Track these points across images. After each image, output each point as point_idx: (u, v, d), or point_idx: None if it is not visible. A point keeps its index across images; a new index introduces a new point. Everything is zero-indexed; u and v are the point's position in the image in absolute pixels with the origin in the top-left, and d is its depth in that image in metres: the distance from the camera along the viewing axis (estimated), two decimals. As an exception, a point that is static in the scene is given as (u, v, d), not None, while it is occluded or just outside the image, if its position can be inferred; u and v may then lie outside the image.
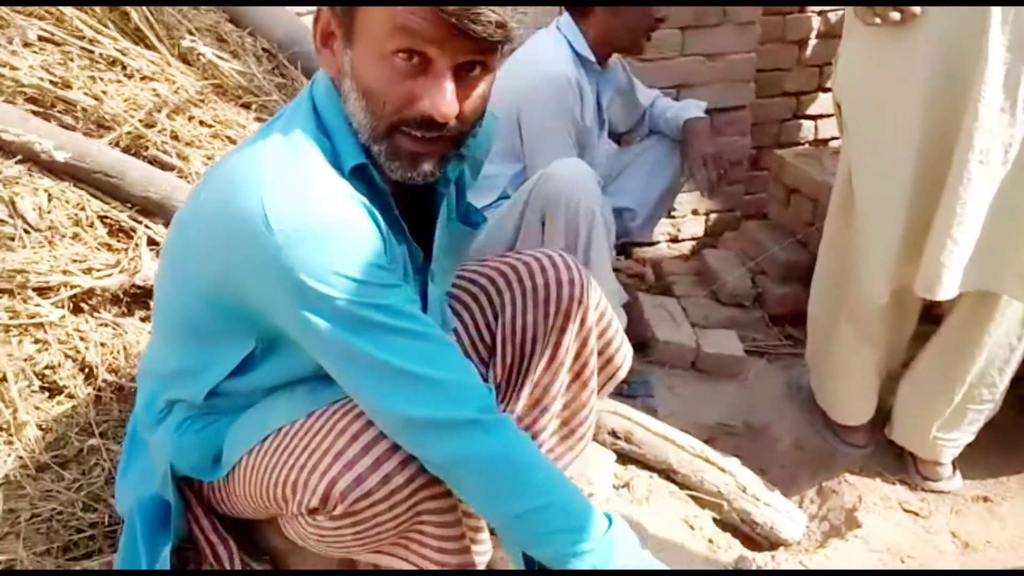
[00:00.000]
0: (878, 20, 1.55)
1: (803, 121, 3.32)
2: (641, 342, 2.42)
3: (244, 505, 1.19)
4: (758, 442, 2.18)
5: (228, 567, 1.23)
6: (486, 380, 1.39)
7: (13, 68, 1.83)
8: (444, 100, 0.94)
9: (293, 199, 0.95)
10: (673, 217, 3.14)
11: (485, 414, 1.00)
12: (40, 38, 1.92)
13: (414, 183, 1.02)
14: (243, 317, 1.03)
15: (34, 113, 1.84)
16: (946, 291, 1.63)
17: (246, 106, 2.14)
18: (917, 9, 1.51)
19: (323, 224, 0.95)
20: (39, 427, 1.48)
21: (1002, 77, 1.48)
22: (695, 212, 3.19)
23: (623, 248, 3.08)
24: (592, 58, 2.18)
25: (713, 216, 3.22)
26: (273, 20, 2.51)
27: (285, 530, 1.17)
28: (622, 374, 1.48)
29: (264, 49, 2.43)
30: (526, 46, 2.23)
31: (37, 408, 1.50)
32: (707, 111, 2.46)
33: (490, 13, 0.90)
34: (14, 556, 1.34)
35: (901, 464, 2.08)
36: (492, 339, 1.37)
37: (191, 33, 2.20)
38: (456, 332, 1.36)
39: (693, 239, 3.20)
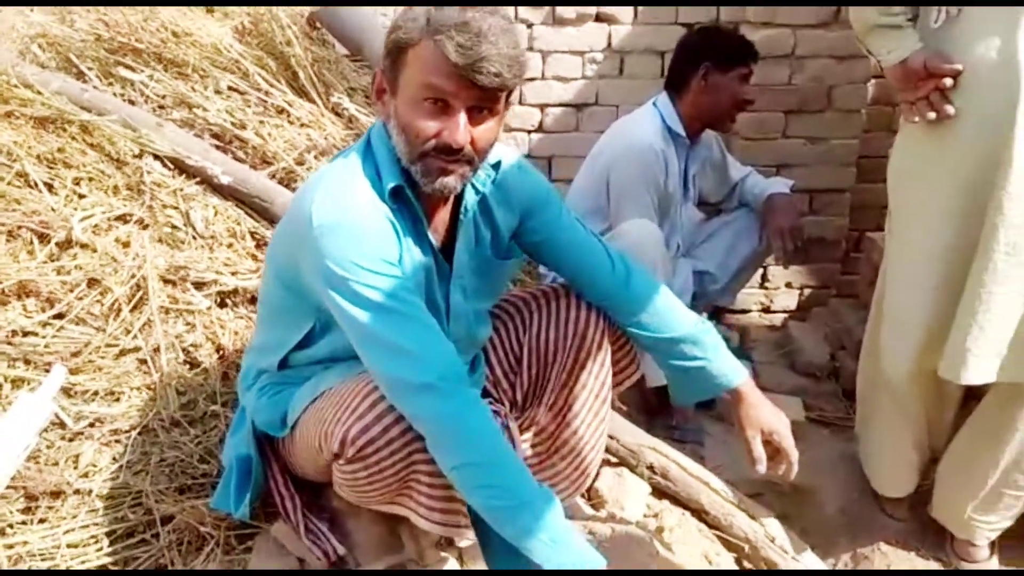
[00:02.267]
0: (916, 119, 1.71)
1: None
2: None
3: (303, 461, 1.52)
4: (803, 505, 2.29)
5: (293, 519, 1.55)
6: (513, 388, 1.67)
7: (204, 109, 2.32)
8: (458, 131, 1.27)
9: (331, 204, 1.30)
10: (766, 288, 3.29)
11: (444, 381, 1.26)
12: (229, 87, 2.41)
13: (441, 194, 1.34)
14: (304, 295, 1.39)
15: (216, 146, 2.31)
16: (971, 376, 1.73)
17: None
18: (951, 108, 1.68)
19: (346, 224, 1.28)
20: (177, 391, 1.88)
21: None
22: (789, 285, 3.33)
23: (715, 312, 3.26)
24: (682, 132, 2.45)
25: (807, 291, 3.34)
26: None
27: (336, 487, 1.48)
28: (628, 383, 1.74)
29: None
30: (624, 119, 2.53)
31: (179, 376, 1.91)
32: (808, 191, 2.64)
33: (490, 67, 1.23)
34: (142, 488, 1.71)
35: (941, 541, 2.14)
36: (520, 351, 1.65)
37: (348, 92, 2.64)
38: (490, 341, 1.65)
39: (785, 311, 3.33)
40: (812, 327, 3.00)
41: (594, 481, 1.95)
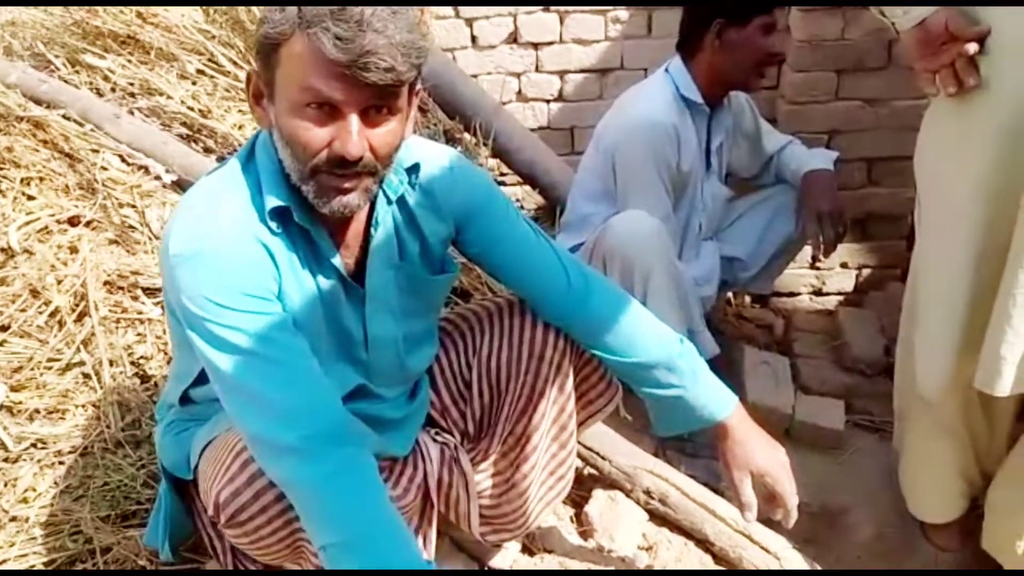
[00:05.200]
0: (933, 90, 1.40)
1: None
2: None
3: None
4: (834, 528, 2.02)
5: (223, 561, 1.40)
6: (464, 417, 1.46)
7: (169, 97, 2.17)
8: (351, 141, 1.04)
9: (190, 230, 1.10)
10: (818, 268, 2.94)
11: (310, 442, 1.06)
12: (197, 71, 2.24)
13: (342, 215, 1.12)
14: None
15: (184, 136, 2.15)
16: (1006, 386, 1.43)
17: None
18: (974, 79, 1.35)
19: (205, 253, 1.08)
20: (123, 408, 1.75)
21: None
22: (844, 266, 2.96)
23: (760, 296, 2.95)
24: (699, 99, 2.13)
25: (865, 272, 2.97)
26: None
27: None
28: (603, 415, 1.52)
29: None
30: (632, 88, 2.23)
31: (125, 392, 1.78)
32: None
33: (379, 61, 1.00)
34: (81, 516, 1.60)
35: (995, 577, 1.84)
36: (470, 374, 1.44)
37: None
38: (438, 363, 1.45)
39: (840, 294, 2.98)
40: (868, 315, 2.65)
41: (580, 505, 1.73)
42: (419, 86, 1.18)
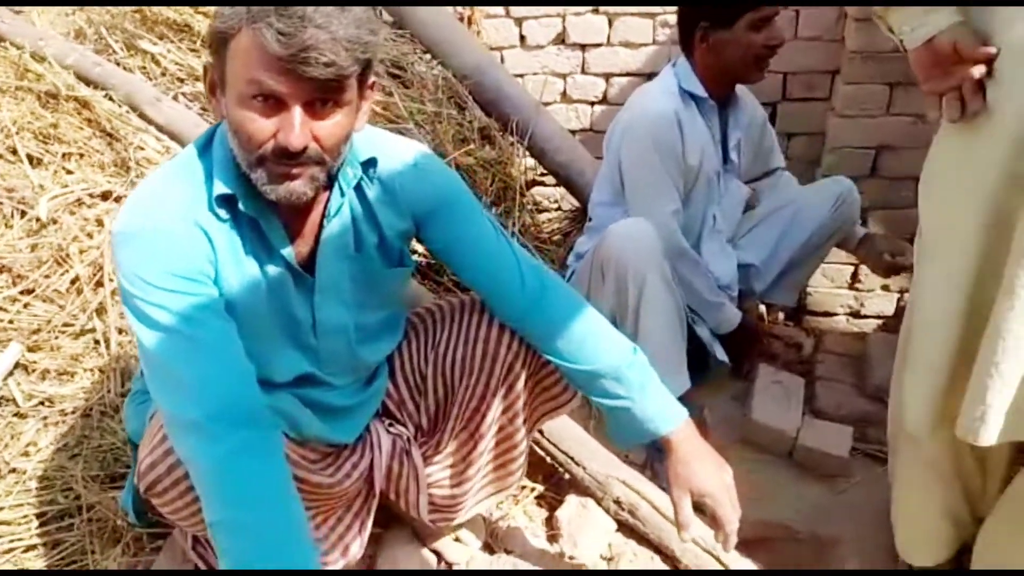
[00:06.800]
0: (936, 114, 1.32)
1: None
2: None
3: None
4: (820, 559, 1.94)
5: (181, 531, 1.48)
6: (419, 410, 1.50)
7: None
8: (292, 133, 1.09)
9: (134, 210, 1.16)
10: (857, 289, 2.83)
11: (214, 421, 1.10)
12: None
13: (290, 203, 1.16)
14: None
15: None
16: (991, 436, 1.34)
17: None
18: (978, 104, 1.27)
19: (143, 234, 1.13)
20: (125, 376, 1.86)
21: None
22: (886, 288, 2.84)
23: (794, 312, 2.86)
24: (702, 93, 2.09)
25: (907, 295, 2.83)
26: (463, 53, 2.74)
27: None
28: (564, 411, 1.53)
29: (444, 79, 2.67)
30: (640, 88, 2.21)
31: (129, 360, 1.89)
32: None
33: (319, 56, 1.03)
34: (74, 474, 1.72)
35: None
36: (426, 369, 1.47)
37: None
38: (398, 356, 1.49)
39: (879, 317, 2.85)
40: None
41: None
42: (372, 79, 1.21)
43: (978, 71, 1.27)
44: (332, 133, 1.14)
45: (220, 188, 1.18)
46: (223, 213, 1.19)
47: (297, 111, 1.09)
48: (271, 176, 1.14)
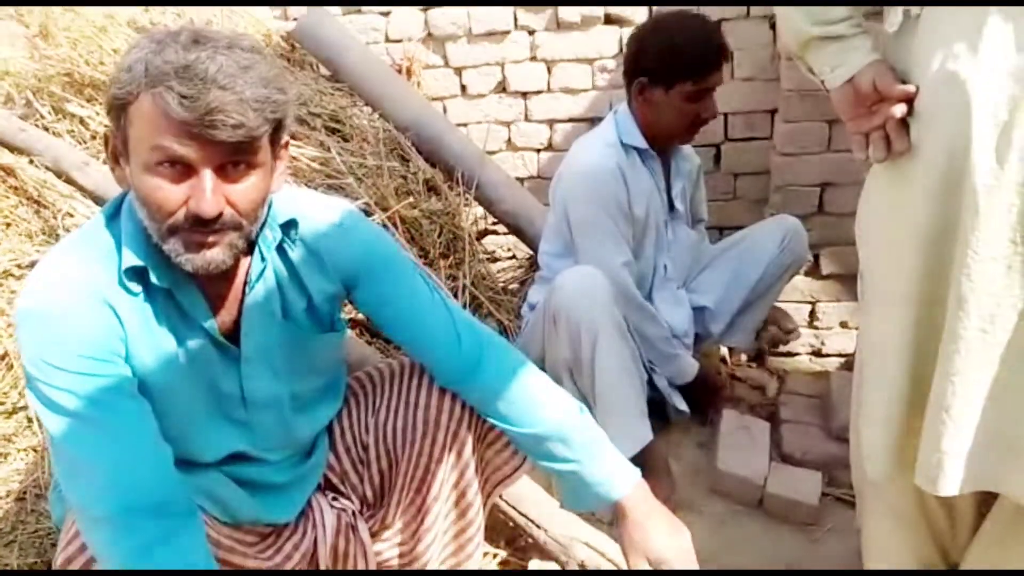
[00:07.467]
0: (863, 155, 1.30)
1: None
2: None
3: None
4: (798, 610, 1.88)
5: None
6: (362, 481, 1.41)
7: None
8: (205, 199, 1.02)
9: (36, 289, 1.07)
10: (816, 327, 2.81)
11: (124, 515, 1.03)
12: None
13: (208, 272, 1.09)
14: None
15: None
16: (950, 485, 1.29)
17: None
18: (903, 144, 1.24)
19: (44, 313, 1.05)
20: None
21: (1005, 223, 1.16)
22: (844, 325, 2.82)
23: (757, 355, 2.82)
24: (643, 144, 2.07)
25: (864, 333, 2.82)
26: (403, 105, 2.71)
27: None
28: (512, 481, 1.44)
29: (385, 131, 2.62)
30: (581, 137, 2.19)
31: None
32: None
33: (226, 118, 0.98)
34: (9, 562, 1.62)
35: None
36: (368, 438, 1.39)
37: (311, 116, 2.46)
38: (339, 424, 1.41)
39: (840, 355, 2.83)
40: (862, 378, 2.50)
41: None
42: (285, 138, 1.15)
43: (899, 110, 1.24)
44: (247, 197, 1.07)
45: (130, 260, 1.10)
46: (134, 287, 1.11)
47: (208, 175, 1.03)
48: (186, 245, 1.06)
